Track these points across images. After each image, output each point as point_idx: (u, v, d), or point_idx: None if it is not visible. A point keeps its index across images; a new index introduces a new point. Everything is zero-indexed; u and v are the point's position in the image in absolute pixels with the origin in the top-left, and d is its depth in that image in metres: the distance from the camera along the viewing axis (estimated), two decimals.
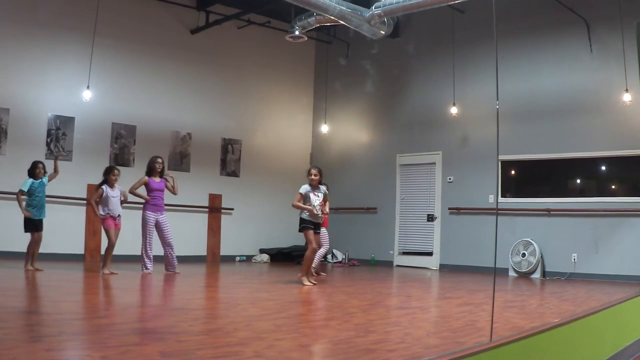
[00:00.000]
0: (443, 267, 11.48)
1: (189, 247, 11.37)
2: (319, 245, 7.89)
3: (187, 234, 11.36)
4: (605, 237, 9.67)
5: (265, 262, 12.18)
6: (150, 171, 8.50)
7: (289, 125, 13.54)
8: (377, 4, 9.68)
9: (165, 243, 8.47)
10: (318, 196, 7.44)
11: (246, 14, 11.79)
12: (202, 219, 11.95)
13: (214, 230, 12.15)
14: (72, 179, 10.11)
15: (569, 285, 8.61)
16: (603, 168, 10.27)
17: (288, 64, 13.51)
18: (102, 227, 8.36)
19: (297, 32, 10.81)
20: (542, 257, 10.16)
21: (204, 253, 11.98)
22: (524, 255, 10.20)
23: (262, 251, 12.67)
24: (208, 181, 12.07)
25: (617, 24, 9.48)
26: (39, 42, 10.05)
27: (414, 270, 11.39)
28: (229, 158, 12.48)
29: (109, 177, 8.07)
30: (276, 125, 13.26)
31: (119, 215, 8.12)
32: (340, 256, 12.80)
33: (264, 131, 13.02)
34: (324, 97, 13.55)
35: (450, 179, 11.72)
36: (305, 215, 7.39)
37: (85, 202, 10.29)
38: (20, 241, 9.34)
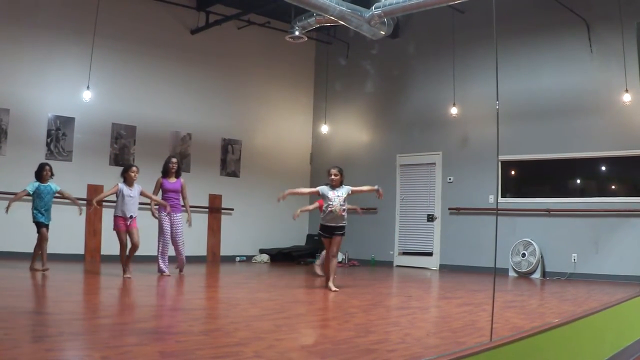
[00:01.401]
0: (443, 267, 11.48)
1: (189, 247, 11.31)
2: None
3: (187, 234, 11.31)
4: (605, 237, 9.67)
5: (265, 262, 12.18)
6: (165, 172, 8.33)
7: (289, 125, 13.54)
8: (377, 4, 9.67)
9: (173, 242, 8.32)
10: (339, 195, 6.97)
11: (246, 14, 11.79)
12: (202, 219, 11.95)
13: (214, 231, 12.15)
14: (72, 179, 10.11)
15: (569, 286, 8.61)
16: (603, 168, 10.27)
17: (288, 64, 13.51)
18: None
19: (297, 33, 10.81)
20: (542, 257, 10.16)
21: (204, 253, 11.98)
22: (524, 255, 10.20)
23: (262, 251, 12.67)
24: (208, 181, 12.07)
25: (617, 24, 9.48)
26: (39, 42, 10.05)
27: (414, 270, 11.39)
28: (229, 158, 12.48)
29: (127, 175, 7.72)
30: (276, 125, 13.26)
31: (131, 216, 7.67)
32: (340, 256, 12.79)
33: (264, 131, 13.02)
34: (324, 97, 13.55)
35: (450, 179, 11.72)
36: (322, 221, 7.02)
37: (85, 201, 10.29)
38: (20, 241, 9.35)
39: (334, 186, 7.04)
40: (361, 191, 7.33)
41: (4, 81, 9.71)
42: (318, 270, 8.85)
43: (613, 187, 10.18)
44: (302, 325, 4.60)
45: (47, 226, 7.88)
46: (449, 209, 11.57)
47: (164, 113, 11.48)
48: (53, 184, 7.94)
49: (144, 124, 11.19)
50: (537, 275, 10.08)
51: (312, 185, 13.64)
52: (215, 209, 12.15)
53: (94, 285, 6.93)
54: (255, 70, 12.98)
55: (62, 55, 10.25)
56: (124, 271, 7.50)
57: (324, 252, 8.78)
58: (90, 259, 10.29)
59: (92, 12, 9.85)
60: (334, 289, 6.88)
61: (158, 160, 11.23)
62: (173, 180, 8.31)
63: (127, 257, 7.57)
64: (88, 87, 9.78)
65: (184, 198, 8.47)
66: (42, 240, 7.79)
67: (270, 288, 7.54)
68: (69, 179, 10.06)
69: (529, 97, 10.61)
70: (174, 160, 8.44)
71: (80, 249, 10.32)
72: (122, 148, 10.94)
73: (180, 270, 8.46)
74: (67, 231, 10.01)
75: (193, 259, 11.34)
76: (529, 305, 6.12)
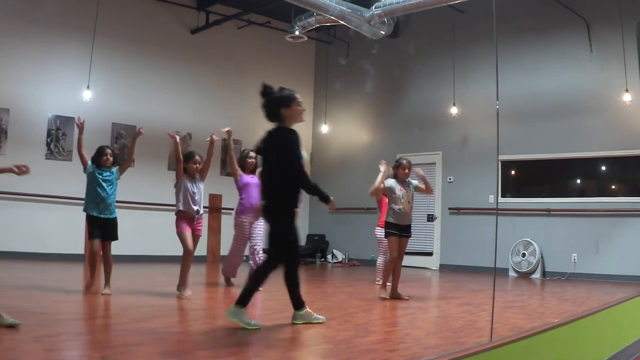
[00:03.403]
0: (443, 267, 11.48)
1: None
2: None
3: None
4: (605, 237, 9.67)
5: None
6: (241, 168, 7.11)
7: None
8: (377, 4, 9.68)
9: (251, 251, 7.02)
10: (407, 191, 6.30)
11: (246, 14, 11.80)
12: (202, 219, 11.94)
13: (214, 231, 12.13)
14: (72, 179, 10.09)
15: (569, 285, 8.61)
16: (603, 168, 10.27)
17: (288, 64, 13.50)
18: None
19: (297, 32, 10.82)
20: (542, 257, 10.16)
21: (204, 253, 11.96)
22: (524, 255, 10.20)
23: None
24: (208, 181, 11.85)
25: (617, 24, 9.48)
26: (39, 42, 10.04)
27: (414, 270, 11.38)
28: None
29: (189, 166, 6.36)
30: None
31: (198, 212, 6.33)
32: (340, 256, 12.80)
33: (264, 131, 13.00)
34: (324, 97, 13.55)
35: (450, 179, 11.72)
36: (390, 219, 6.30)
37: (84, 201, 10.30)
38: (21, 241, 9.36)
39: (402, 181, 6.37)
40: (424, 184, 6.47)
41: (4, 81, 9.71)
42: (384, 294, 6.55)
43: (613, 187, 10.18)
44: (302, 325, 4.59)
45: (107, 223, 6.04)
46: (449, 209, 11.57)
47: (164, 113, 11.47)
48: (115, 170, 6.24)
49: (144, 123, 11.07)
50: (537, 275, 10.08)
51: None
52: (215, 209, 12.13)
53: (93, 286, 6.91)
54: (255, 70, 12.96)
55: (62, 55, 10.25)
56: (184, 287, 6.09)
57: (380, 260, 7.85)
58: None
59: (92, 11, 9.85)
60: (405, 297, 6.36)
61: (158, 160, 11.27)
62: (251, 176, 7.06)
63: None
64: (88, 87, 9.78)
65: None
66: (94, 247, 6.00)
67: (270, 288, 7.53)
68: (69, 178, 10.07)
69: (529, 97, 10.60)
70: (252, 154, 7.05)
71: (80, 249, 10.31)
72: (122, 148, 10.94)
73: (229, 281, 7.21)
74: (67, 231, 10.02)
75: (193, 259, 11.30)
76: (529, 305, 6.12)
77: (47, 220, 9.69)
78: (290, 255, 4.56)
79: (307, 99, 13.97)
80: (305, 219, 13.72)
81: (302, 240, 13.45)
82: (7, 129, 9.69)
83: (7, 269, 8.01)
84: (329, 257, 13.04)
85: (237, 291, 7.06)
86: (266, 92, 4.73)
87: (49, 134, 10.12)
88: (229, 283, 7.15)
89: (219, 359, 3.15)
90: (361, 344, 3.78)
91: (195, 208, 6.22)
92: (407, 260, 12.03)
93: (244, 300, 4.24)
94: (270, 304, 5.78)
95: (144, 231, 10.61)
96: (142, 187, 10.45)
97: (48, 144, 10.11)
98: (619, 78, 9.43)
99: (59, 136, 10.24)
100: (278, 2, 9.85)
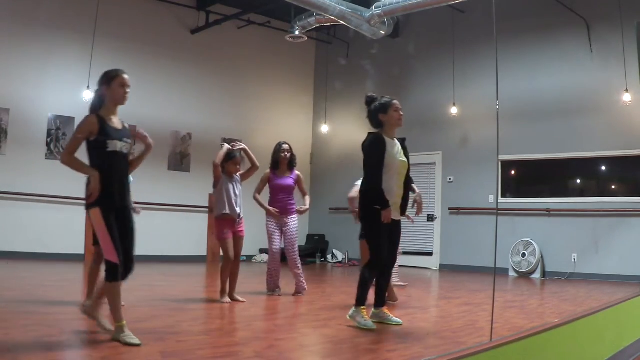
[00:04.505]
0: (443, 267, 11.48)
1: (189, 247, 11.37)
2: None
3: (187, 234, 11.36)
4: (605, 237, 9.67)
5: (266, 262, 12.16)
6: (275, 164, 6.51)
7: (289, 125, 13.53)
8: (377, 4, 9.68)
9: (287, 255, 6.40)
10: None
11: (246, 14, 11.80)
12: (203, 219, 11.95)
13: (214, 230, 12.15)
14: (72, 178, 10.09)
15: (569, 285, 8.61)
16: (603, 168, 10.27)
17: (288, 64, 13.50)
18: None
19: (297, 32, 10.82)
20: (542, 257, 10.16)
21: (204, 253, 11.97)
22: (524, 255, 10.20)
23: (262, 251, 12.67)
24: (208, 181, 11.93)
25: (617, 24, 9.48)
26: (39, 42, 10.04)
27: (414, 270, 11.38)
28: None
29: (229, 167, 6.01)
30: (276, 125, 13.25)
31: (239, 216, 5.91)
32: (340, 256, 12.80)
33: (264, 131, 13.01)
34: (324, 97, 13.55)
35: (450, 179, 11.71)
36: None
37: (84, 201, 10.30)
38: (21, 241, 9.35)
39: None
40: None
41: (4, 81, 9.71)
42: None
43: (613, 187, 10.19)
44: (302, 325, 4.60)
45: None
46: (449, 209, 11.57)
47: (164, 113, 11.47)
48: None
49: (143, 123, 11.02)
50: (537, 275, 10.08)
51: (313, 185, 13.64)
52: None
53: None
54: (255, 70, 12.97)
55: (62, 55, 10.25)
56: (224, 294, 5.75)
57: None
58: (90, 259, 10.28)
59: (92, 11, 9.84)
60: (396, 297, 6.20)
61: (157, 161, 11.26)
62: (286, 174, 6.47)
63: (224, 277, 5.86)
64: (88, 87, 9.76)
65: (303, 195, 6.63)
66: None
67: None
68: (67, 178, 10.06)
69: (529, 97, 10.61)
70: (286, 147, 6.49)
71: (80, 249, 10.31)
72: None
73: (301, 292, 6.43)
74: (67, 231, 10.02)
75: (193, 259, 11.34)
76: (529, 305, 6.12)
77: (47, 220, 9.68)
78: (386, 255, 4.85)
79: (307, 99, 13.98)
80: (305, 219, 13.72)
81: (302, 240, 13.48)
82: (7, 129, 9.69)
83: (7, 269, 8.01)
84: (329, 257, 13.04)
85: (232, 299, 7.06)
86: (368, 101, 4.91)
87: (48, 134, 10.12)
88: (273, 292, 6.42)
89: (218, 359, 3.16)
90: (361, 344, 3.79)
91: (238, 211, 5.87)
92: (408, 260, 12.08)
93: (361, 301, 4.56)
94: (269, 304, 5.78)
95: (144, 231, 10.57)
96: (142, 187, 10.42)
97: (48, 144, 10.11)
98: (619, 78, 9.43)
99: (59, 136, 10.23)
100: (278, 2, 9.84)
